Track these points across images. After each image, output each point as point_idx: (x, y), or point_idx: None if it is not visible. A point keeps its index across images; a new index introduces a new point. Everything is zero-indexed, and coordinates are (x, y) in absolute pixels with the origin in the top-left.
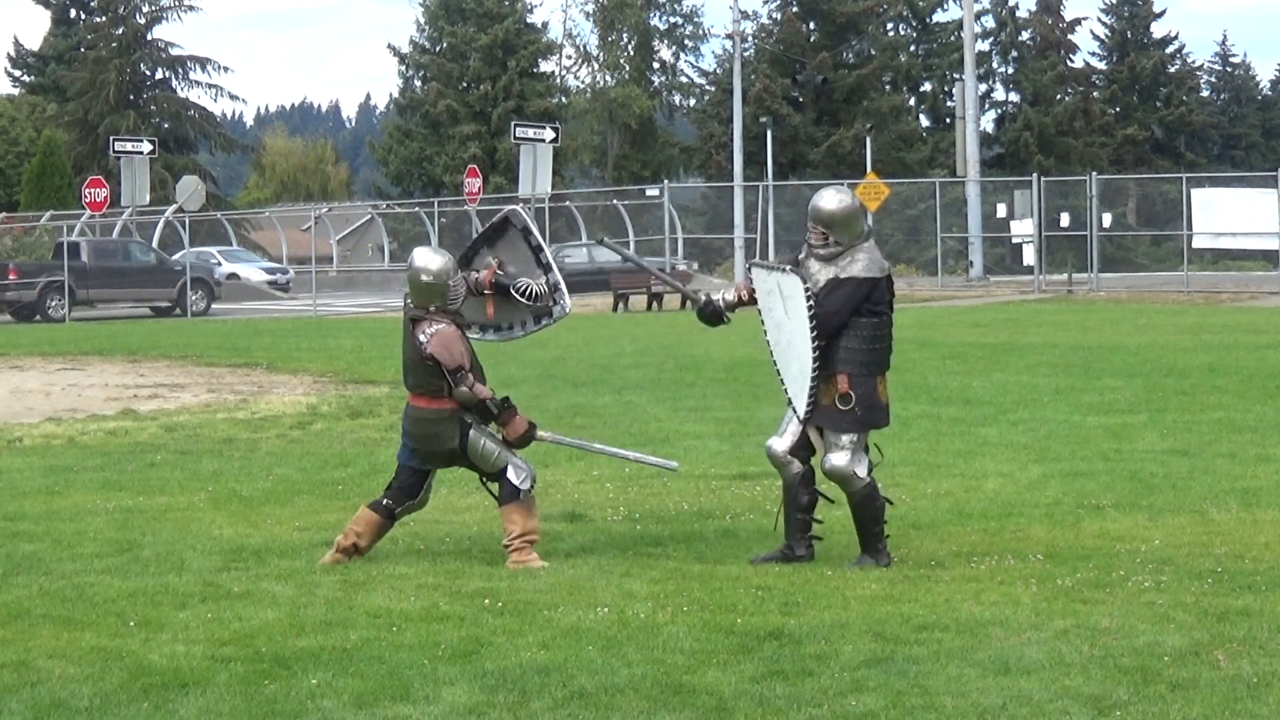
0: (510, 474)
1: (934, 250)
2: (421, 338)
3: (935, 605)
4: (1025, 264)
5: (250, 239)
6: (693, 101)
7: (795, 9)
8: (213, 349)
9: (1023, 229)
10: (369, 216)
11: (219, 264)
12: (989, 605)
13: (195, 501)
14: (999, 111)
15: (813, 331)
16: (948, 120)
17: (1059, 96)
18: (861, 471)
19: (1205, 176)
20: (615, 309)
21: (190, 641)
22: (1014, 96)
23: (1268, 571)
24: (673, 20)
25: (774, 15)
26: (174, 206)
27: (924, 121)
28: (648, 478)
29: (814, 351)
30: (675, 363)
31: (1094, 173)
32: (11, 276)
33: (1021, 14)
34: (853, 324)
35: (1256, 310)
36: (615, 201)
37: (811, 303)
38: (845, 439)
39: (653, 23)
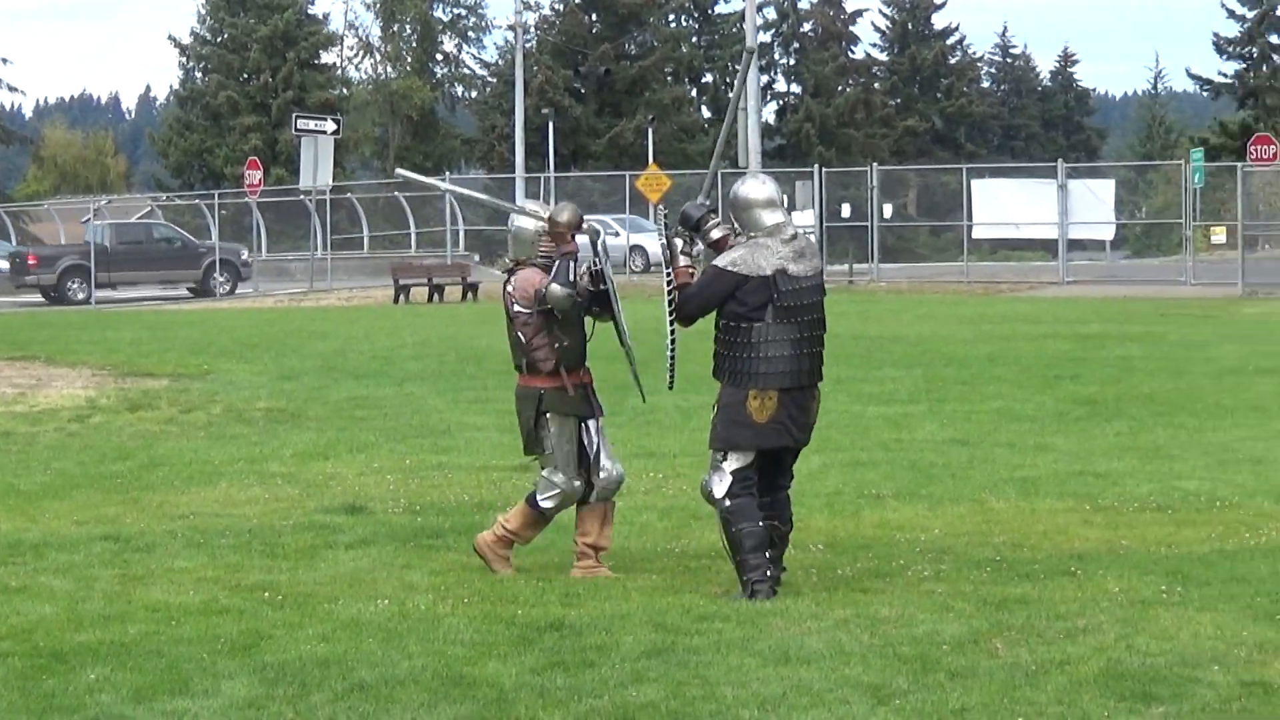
0: (541, 486)
1: None
2: (509, 287)
3: (716, 595)
4: None
5: (29, 231)
6: (475, 93)
7: (578, 0)
8: None
9: (803, 220)
10: (149, 209)
11: (615, 234)
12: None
13: None
14: (780, 103)
15: (669, 300)
16: None
17: (840, 88)
18: (718, 493)
19: (985, 167)
20: (396, 300)
21: None
22: (795, 88)
23: (1045, 560)
24: (456, 12)
25: (556, 6)
26: None
27: (705, 113)
28: (428, 470)
29: (669, 323)
30: (456, 354)
31: (874, 164)
32: (31, 262)
33: (803, 5)
34: (723, 328)
35: (1035, 300)
36: (397, 193)
37: (670, 272)
38: (712, 455)
39: (435, 14)
